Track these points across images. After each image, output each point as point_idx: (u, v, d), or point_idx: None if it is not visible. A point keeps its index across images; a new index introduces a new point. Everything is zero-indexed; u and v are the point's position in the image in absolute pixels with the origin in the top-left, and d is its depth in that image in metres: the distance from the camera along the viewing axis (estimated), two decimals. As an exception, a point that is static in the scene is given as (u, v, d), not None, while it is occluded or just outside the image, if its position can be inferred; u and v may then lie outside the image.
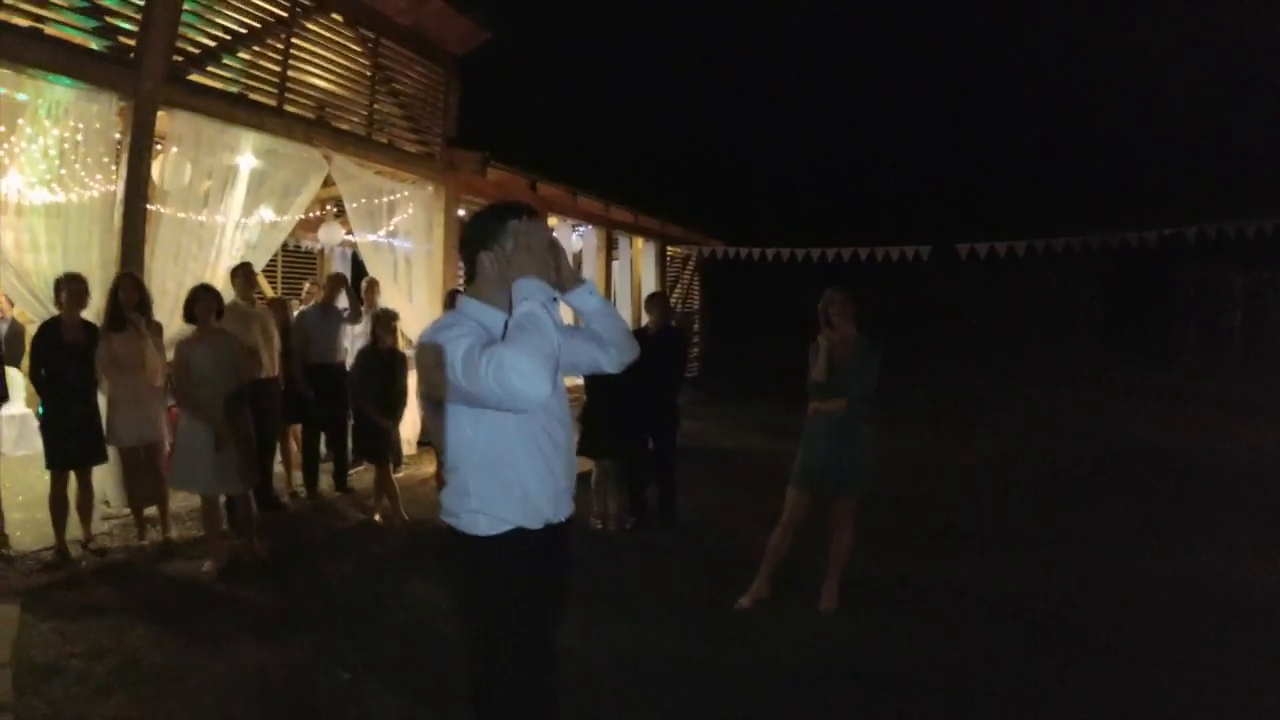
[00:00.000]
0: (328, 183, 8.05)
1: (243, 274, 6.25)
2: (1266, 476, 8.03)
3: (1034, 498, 7.20)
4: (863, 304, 4.61)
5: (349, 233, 9.03)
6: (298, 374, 6.66)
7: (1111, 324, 20.52)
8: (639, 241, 14.32)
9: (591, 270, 12.45)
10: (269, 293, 11.00)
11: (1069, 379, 16.19)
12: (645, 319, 6.52)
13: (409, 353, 8.17)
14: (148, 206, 6.28)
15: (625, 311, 11.78)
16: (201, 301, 5.05)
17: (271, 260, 11.89)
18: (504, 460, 2.12)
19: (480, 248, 2.18)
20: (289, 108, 7.32)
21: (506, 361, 1.87)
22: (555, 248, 2.19)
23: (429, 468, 6.62)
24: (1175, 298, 19.68)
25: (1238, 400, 13.23)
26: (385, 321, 6.17)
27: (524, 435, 2.13)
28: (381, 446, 6.07)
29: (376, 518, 6.16)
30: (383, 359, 6.09)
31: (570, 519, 2.31)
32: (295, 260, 12.92)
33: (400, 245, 8.83)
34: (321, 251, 12.36)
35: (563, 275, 2.23)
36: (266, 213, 7.17)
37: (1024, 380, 16.15)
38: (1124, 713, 3.42)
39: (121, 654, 3.83)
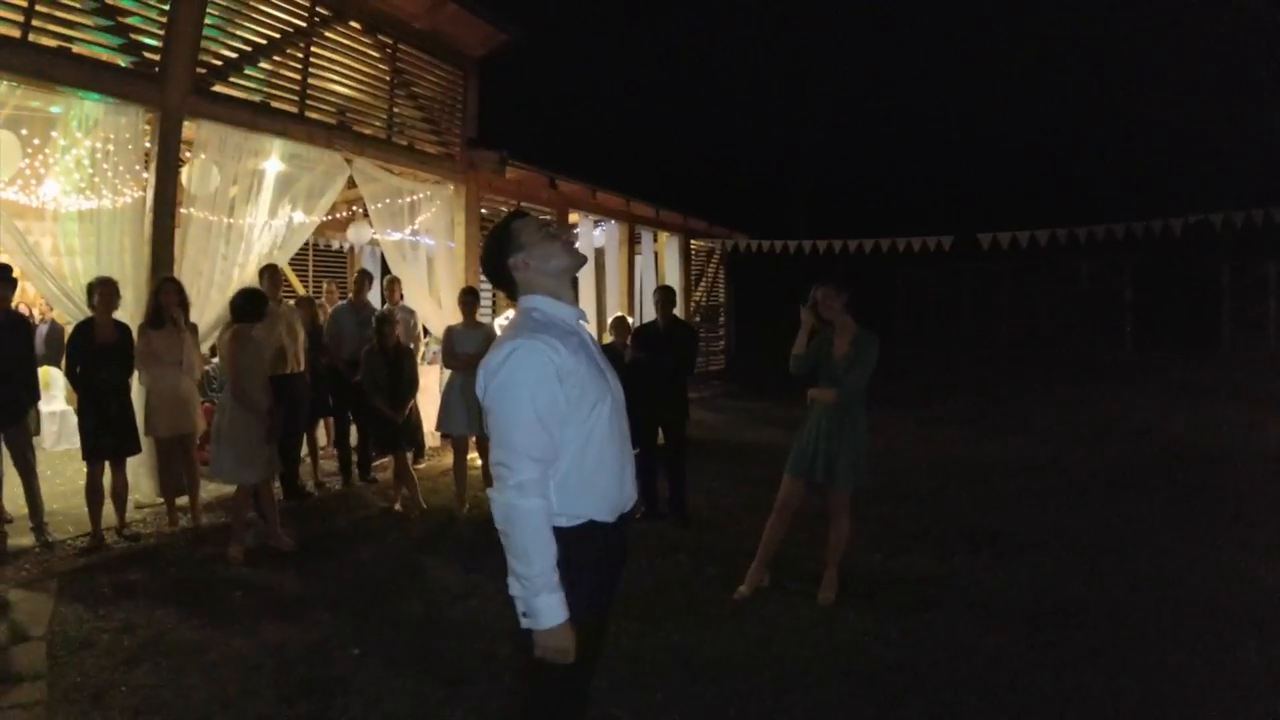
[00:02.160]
0: (352, 184, 8.31)
1: (269, 274, 6.54)
2: None
3: (1059, 498, 6.99)
4: (857, 292, 4.59)
5: (393, 231, 9.27)
6: (340, 368, 7.01)
7: (1144, 316, 20.01)
8: (662, 236, 14.44)
9: (614, 266, 12.57)
10: (300, 291, 11.36)
11: (1102, 374, 15.73)
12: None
13: (435, 346, 8.45)
14: (178, 211, 6.58)
15: (649, 307, 11.83)
16: (250, 302, 5.39)
17: (303, 259, 12.29)
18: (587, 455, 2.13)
19: (504, 259, 2.24)
20: (310, 114, 7.58)
21: (522, 511, 1.97)
22: (555, 231, 2.30)
23: (449, 459, 6.81)
24: (1208, 288, 19.13)
25: (1275, 393, 12.60)
26: (388, 321, 6.40)
27: (603, 430, 2.14)
28: (396, 438, 6.27)
29: (396, 507, 6.38)
30: (388, 355, 6.32)
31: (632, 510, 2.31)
32: (325, 259, 13.27)
33: (423, 244, 9.06)
34: (351, 250, 12.67)
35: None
36: (290, 216, 7.43)
37: (1056, 375, 15.75)
38: (1114, 716, 3.38)
39: (149, 630, 4.08)
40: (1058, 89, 24.85)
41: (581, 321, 2.26)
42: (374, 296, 8.17)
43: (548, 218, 2.15)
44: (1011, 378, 15.86)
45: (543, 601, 1.98)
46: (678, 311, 7.22)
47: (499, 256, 2.25)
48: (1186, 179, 20.10)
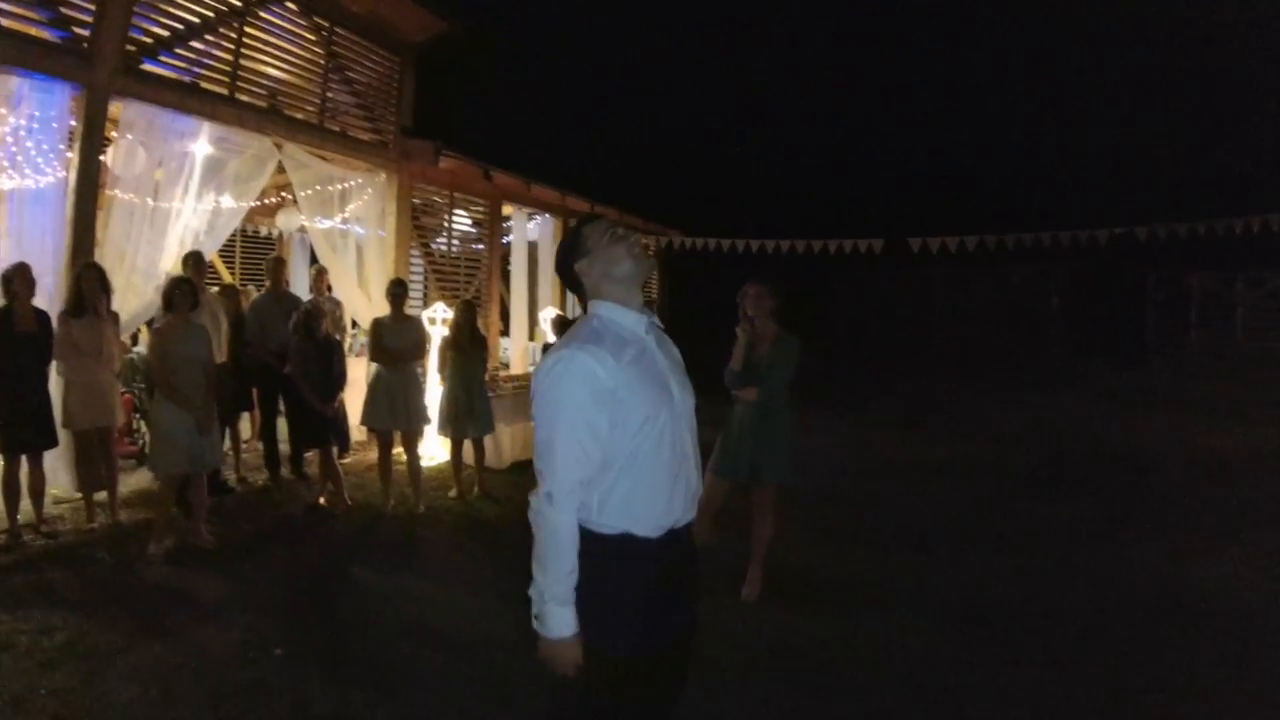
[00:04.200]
0: (282, 170, 8.17)
1: (193, 262, 6.41)
2: (1224, 476, 8.18)
3: (990, 499, 7.24)
4: (785, 297, 4.77)
5: (322, 219, 9.10)
6: (268, 360, 6.89)
7: (1074, 324, 20.89)
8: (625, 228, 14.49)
9: (548, 259, 12.60)
10: (227, 279, 11.09)
11: (1034, 380, 16.30)
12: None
13: (363, 338, 8.38)
14: (102, 194, 6.40)
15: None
16: (181, 291, 5.32)
17: (230, 246, 11.98)
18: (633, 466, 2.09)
19: (572, 264, 2.24)
20: (241, 96, 7.42)
21: (548, 520, 2.01)
22: (622, 234, 2.25)
23: (375, 453, 6.82)
24: (1134, 298, 20.08)
25: (1198, 400, 13.30)
26: (317, 314, 6.38)
27: (652, 445, 2.09)
28: (323, 432, 6.26)
29: (321, 501, 6.38)
30: (319, 347, 6.27)
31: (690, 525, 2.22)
32: (254, 246, 12.95)
33: (353, 233, 8.95)
34: (280, 237, 12.40)
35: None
36: (218, 201, 7.28)
37: (988, 380, 16.28)
38: (1039, 714, 3.53)
39: (68, 632, 4.03)
40: (995, 101, 25.71)
41: (649, 328, 2.20)
42: (301, 287, 8.05)
43: (614, 225, 2.11)
44: (945, 381, 16.35)
45: (551, 611, 1.99)
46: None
47: (568, 261, 2.24)
48: (1113, 192, 21.08)
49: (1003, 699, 3.65)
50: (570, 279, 2.27)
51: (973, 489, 7.64)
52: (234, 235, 11.97)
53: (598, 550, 2.03)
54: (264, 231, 12.49)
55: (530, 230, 12.28)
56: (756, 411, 4.64)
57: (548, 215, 12.56)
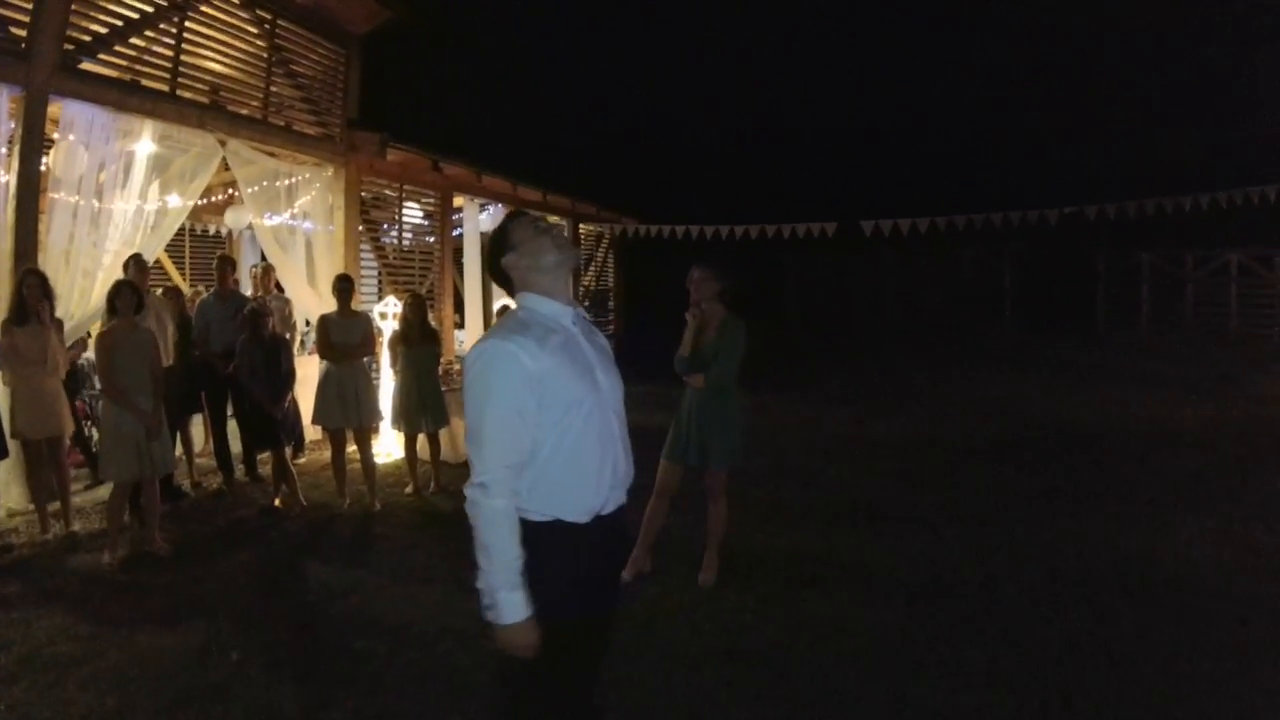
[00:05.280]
0: (229, 167, 8.08)
1: (134, 264, 6.35)
2: (1169, 449, 8.39)
3: (942, 475, 7.37)
4: (733, 280, 4.84)
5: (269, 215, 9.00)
6: (213, 361, 6.88)
7: (1024, 301, 21.28)
8: (550, 220, 14.51)
9: (501, 248, 12.58)
10: (176, 280, 10.93)
11: (984, 356, 16.51)
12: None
13: (309, 334, 8.34)
14: (46, 197, 6.30)
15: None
16: (124, 295, 5.29)
17: (179, 245, 11.81)
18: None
19: (500, 256, 2.30)
20: (182, 93, 7.33)
21: (485, 509, 2.06)
22: (546, 227, 2.35)
23: (330, 452, 6.83)
24: (1087, 276, 20.48)
25: (1148, 375, 13.56)
26: (262, 313, 6.38)
27: (577, 432, 2.16)
28: (274, 432, 6.27)
29: (276, 503, 6.38)
30: (264, 347, 6.27)
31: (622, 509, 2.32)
32: (202, 245, 12.76)
33: (300, 229, 8.88)
34: (230, 235, 12.22)
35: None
36: (162, 200, 7.21)
37: (940, 357, 16.51)
38: (992, 687, 3.60)
39: (26, 645, 4.05)
40: (944, 83, 26.01)
41: (576, 319, 2.28)
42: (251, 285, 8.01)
43: (538, 219, 2.14)
44: (898, 359, 16.59)
45: (503, 598, 2.04)
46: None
47: (496, 256, 2.31)
48: (1063, 172, 21.46)
49: (952, 671, 3.75)
50: (498, 274, 2.34)
51: (923, 464, 7.80)
52: (182, 234, 11.84)
53: (530, 536, 2.10)
54: (212, 230, 12.29)
55: (483, 221, 12.27)
56: (703, 395, 4.74)
57: (500, 205, 12.55)
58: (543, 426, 2.10)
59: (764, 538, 5.63)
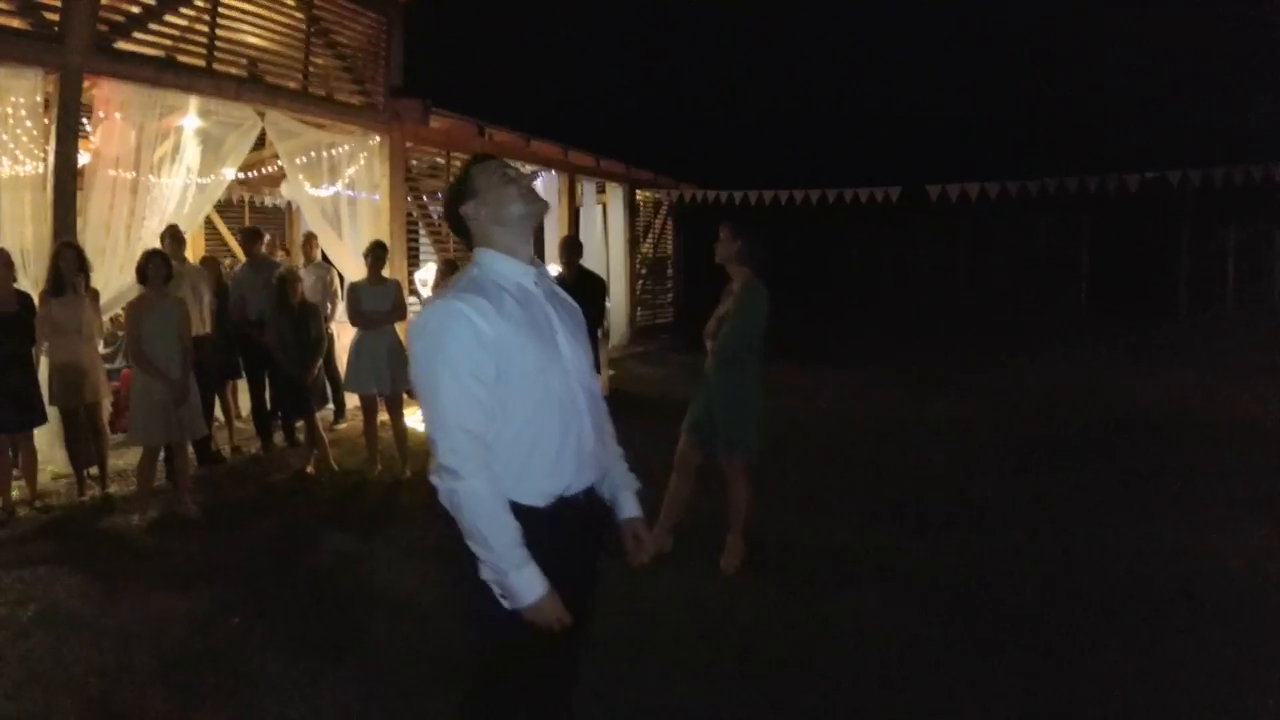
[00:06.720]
0: (272, 140, 8.20)
1: (170, 235, 6.51)
2: (1250, 444, 7.46)
3: (996, 466, 6.73)
4: (756, 239, 4.48)
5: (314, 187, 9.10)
6: (247, 329, 7.04)
7: (1101, 277, 20.00)
8: (606, 186, 14.38)
9: (554, 217, 12.52)
10: (236, 251, 11.23)
11: (1056, 336, 15.45)
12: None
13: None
14: (83, 174, 6.50)
15: (593, 261, 11.71)
16: (154, 264, 5.45)
17: (238, 217, 12.14)
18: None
19: (459, 204, 2.09)
20: (218, 67, 7.40)
21: (464, 494, 1.86)
22: (514, 175, 2.14)
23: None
24: (1166, 250, 19.20)
25: (1230, 360, 12.29)
26: (290, 280, 6.45)
27: (534, 404, 1.98)
28: (305, 399, 6.37)
29: (309, 469, 6.51)
30: (293, 314, 6.35)
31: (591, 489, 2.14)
32: (261, 217, 13.06)
33: (346, 198, 8.96)
34: (290, 206, 12.48)
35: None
36: (204, 173, 7.35)
37: (1009, 336, 15.53)
38: (1023, 704, 3.25)
39: (45, 602, 4.22)
40: (1018, 38, 24.64)
41: (538, 279, 2.07)
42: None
43: (506, 165, 1.95)
44: (963, 336, 15.70)
45: (515, 579, 1.86)
46: (623, 265, 7.18)
47: (455, 204, 2.10)
48: (1145, 136, 20.05)
49: (986, 692, 3.33)
50: (457, 224, 2.13)
51: (978, 454, 7.16)
52: (242, 206, 12.14)
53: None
54: (270, 202, 12.58)
55: (535, 189, 12.18)
56: (716, 370, 4.43)
57: (552, 171, 12.48)
58: (498, 399, 1.90)
59: (797, 527, 5.23)
